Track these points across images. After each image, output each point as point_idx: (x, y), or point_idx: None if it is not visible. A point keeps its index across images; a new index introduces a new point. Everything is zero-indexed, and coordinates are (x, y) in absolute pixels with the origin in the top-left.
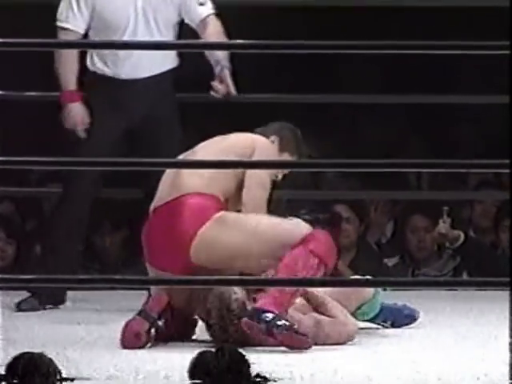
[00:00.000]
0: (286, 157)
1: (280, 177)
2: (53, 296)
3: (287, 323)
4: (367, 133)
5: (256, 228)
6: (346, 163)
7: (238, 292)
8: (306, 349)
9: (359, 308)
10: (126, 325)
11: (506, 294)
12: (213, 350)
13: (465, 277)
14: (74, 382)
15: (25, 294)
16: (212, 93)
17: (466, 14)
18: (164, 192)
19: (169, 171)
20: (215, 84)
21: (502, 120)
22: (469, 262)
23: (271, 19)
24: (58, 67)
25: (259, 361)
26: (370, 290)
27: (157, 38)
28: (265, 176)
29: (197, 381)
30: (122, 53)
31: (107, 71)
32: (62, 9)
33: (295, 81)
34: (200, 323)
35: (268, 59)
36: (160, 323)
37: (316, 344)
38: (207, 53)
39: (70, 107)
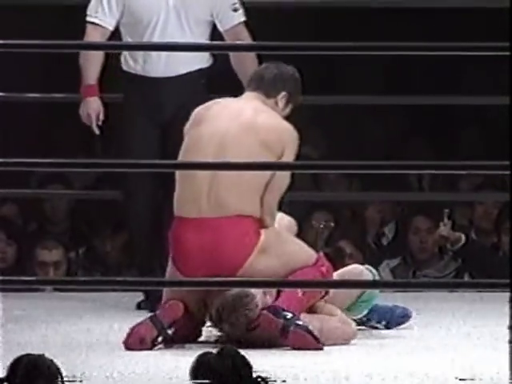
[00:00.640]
0: (289, 108)
1: None
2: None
3: (305, 324)
4: (368, 134)
5: (289, 255)
6: (347, 165)
7: (253, 292)
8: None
9: (359, 297)
10: (134, 327)
11: (506, 295)
12: (214, 351)
13: (466, 279)
14: (76, 383)
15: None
16: None
17: (466, 15)
18: (199, 203)
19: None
20: None
21: (503, 121)
22: (470, 264)
23: (271, 21)
24: (81, 61)
25: (263, 362)
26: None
27: (187, 35)
28: (287, 180)
29: (198, 381)
30: (159, 52)
31: (139, 69)
32: (93, 4)
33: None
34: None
35: (267, 60)
36: (169, 332)
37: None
38: (237, 68)
39: (86, 101)
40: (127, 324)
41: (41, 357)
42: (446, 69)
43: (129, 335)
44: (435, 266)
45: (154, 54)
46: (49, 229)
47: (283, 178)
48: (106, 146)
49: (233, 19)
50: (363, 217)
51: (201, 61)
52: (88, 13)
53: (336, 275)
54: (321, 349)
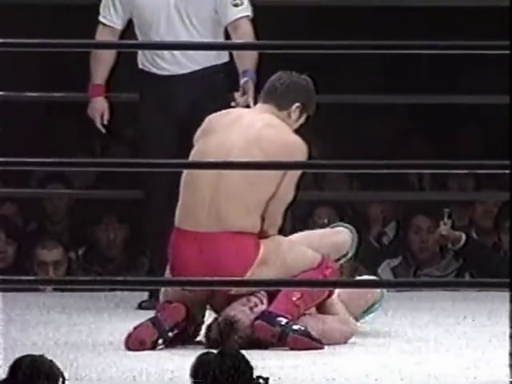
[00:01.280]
0: (303, 119)
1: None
2: None
3: (302, 328)
4: (368, 133)
5: (290, 263)
6: (348, 164)
7: (240, 315)
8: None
9: (370, 308)
10: (134, 329)
11: (507, 294)
12: (215, 351)
13: (467, 278)
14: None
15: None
16: (232, 103)
17: (465, 14)
18: (199, 216)
19: (203, 176)
20: (237, 95)
21: (503, 120)
22: (471, 264)
23: (272, 19)
24: (91, 61)
25: (263, 363)
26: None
27: (192, 33)
28: (291, 194)
29: (199, 381)
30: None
31: (152, 68)
32: (103, 4)
33: None
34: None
35: (267, 59)
36: (170, 334)
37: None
38: (236, 60)
39: (92, 101)
40: (128, 324)
41: (41, 358)
42: (445, 67)
43: (129, 337)
44: (436, 265)
45: (163, 52)
46: (48, 228)
47: (288, 191)
48: (106, 146)
49: (233, 14)
50: (364, 216)
51: (215, 57)
52: (100, 12)
53: (308, 234)
54: (321, 348)
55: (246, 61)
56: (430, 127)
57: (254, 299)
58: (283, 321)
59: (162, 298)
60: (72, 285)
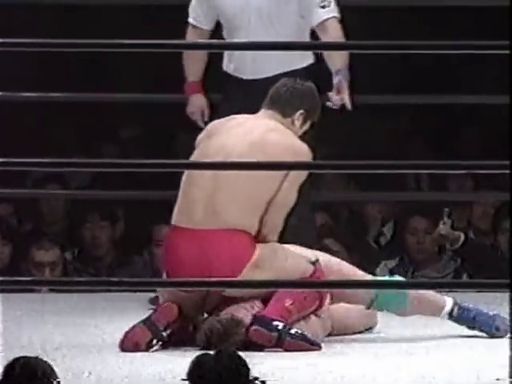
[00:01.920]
0: (307, 126)
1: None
2: None
3: (299, 331)
4: (367, 133)
5: (283, 271)
6: (345, 164)
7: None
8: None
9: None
10: (129, 331)
11: (506, 295)
12: (212, 352)
13: (465, 278)
14: None
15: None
16: (327, 103)
17: (466, 14)
18: (195, 213)
19: (201, 175)
20: (331, 94)
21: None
22: (469, 264)
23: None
24: (184, 60)
25: (261, 364)
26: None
27: (273, 36)
28: (293, 198)
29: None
30: (247, 52)
31: (235, 72)
32: (191, 5)
33: None
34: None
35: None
36: (164, 334)
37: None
38: (327, 60)
39: (190, 99)
40: (128, 324)
41: (35, 359)
42: (445, 67)
43: (123, 339)
44: (434, 266)
45: (242, 55)
46: (44, 229)
47: (288, 195)
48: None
49: (321, 16)
50: (361, 216)
51: (297, 61)
52: (189, 14)
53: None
54: (319, 349)
55: (337, 60)
56: (429, 127)
57: (255, 303)
58: (280, 325)
59: (160, 298)
60: (68, 286)
